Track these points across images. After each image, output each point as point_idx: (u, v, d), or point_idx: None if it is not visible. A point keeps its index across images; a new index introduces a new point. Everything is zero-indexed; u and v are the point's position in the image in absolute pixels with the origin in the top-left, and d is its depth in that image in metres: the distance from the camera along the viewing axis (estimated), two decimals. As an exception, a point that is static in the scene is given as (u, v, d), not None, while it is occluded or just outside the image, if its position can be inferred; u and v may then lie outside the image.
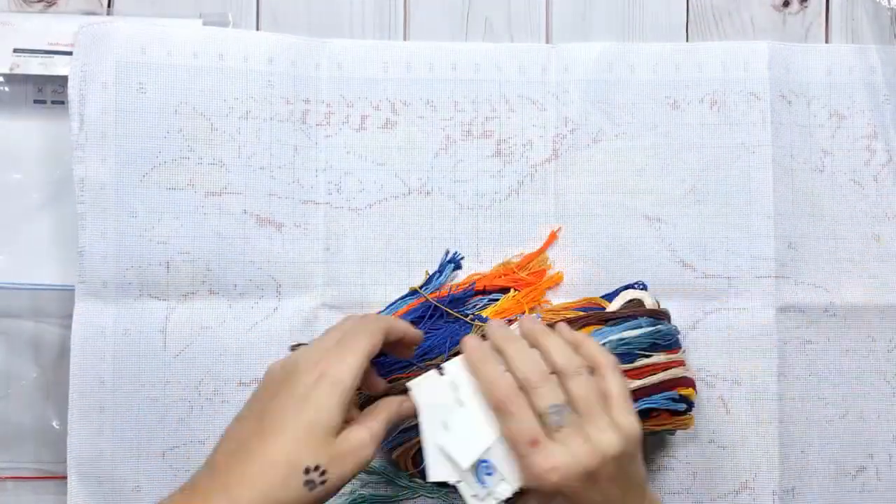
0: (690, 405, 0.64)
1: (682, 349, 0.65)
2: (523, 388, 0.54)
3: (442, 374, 0.57)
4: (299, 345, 0.62)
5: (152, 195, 0.68)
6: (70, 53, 0.68)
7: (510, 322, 0.61)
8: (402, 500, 0.67)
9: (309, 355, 0.53)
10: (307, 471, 0.49)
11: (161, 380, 0.67)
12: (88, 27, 0.68)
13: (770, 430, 0.68)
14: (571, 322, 0.62)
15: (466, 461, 0.54)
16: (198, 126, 0.68)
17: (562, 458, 0.51)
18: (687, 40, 0.73)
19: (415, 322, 0.63)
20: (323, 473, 0.49)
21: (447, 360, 0.58)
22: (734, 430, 0.69)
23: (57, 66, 0.69)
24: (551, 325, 0.58)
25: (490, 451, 0.54)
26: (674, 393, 0.63)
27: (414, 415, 0.56)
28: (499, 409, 0.54)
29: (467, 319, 0.65)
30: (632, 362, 0.62)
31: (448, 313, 0.65)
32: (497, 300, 0.68)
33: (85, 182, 0.67)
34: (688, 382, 0.64)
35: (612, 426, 0.52)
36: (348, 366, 0.52)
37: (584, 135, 0.70)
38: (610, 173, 0.70)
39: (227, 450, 0.51)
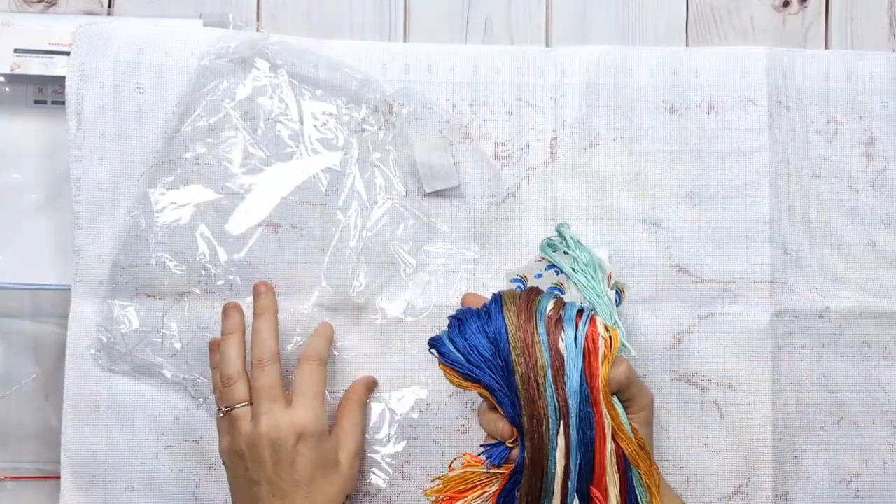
0: None
1: None
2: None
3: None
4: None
5: (149, 195, 0.68)
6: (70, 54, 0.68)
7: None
8: None
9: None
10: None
11: (156, 379, 0.68)
12: (87, 27, 0.68)
13: (764, 435, 0.68)
14: None
15: None
16: (195, 126, 0.68)
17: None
18: (687, 41, 0.73)
19: None
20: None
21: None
22: (728, 435, 0.69)
23: (57, 67, 0.69)
24: None
25: None
26: None
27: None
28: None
29: None
30: None
31: None
32: None
33: (82, 181, 0.68)
34: None
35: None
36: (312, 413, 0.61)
37: (582, 138, 0.70)
38: (607, 177, 0.70)
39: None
